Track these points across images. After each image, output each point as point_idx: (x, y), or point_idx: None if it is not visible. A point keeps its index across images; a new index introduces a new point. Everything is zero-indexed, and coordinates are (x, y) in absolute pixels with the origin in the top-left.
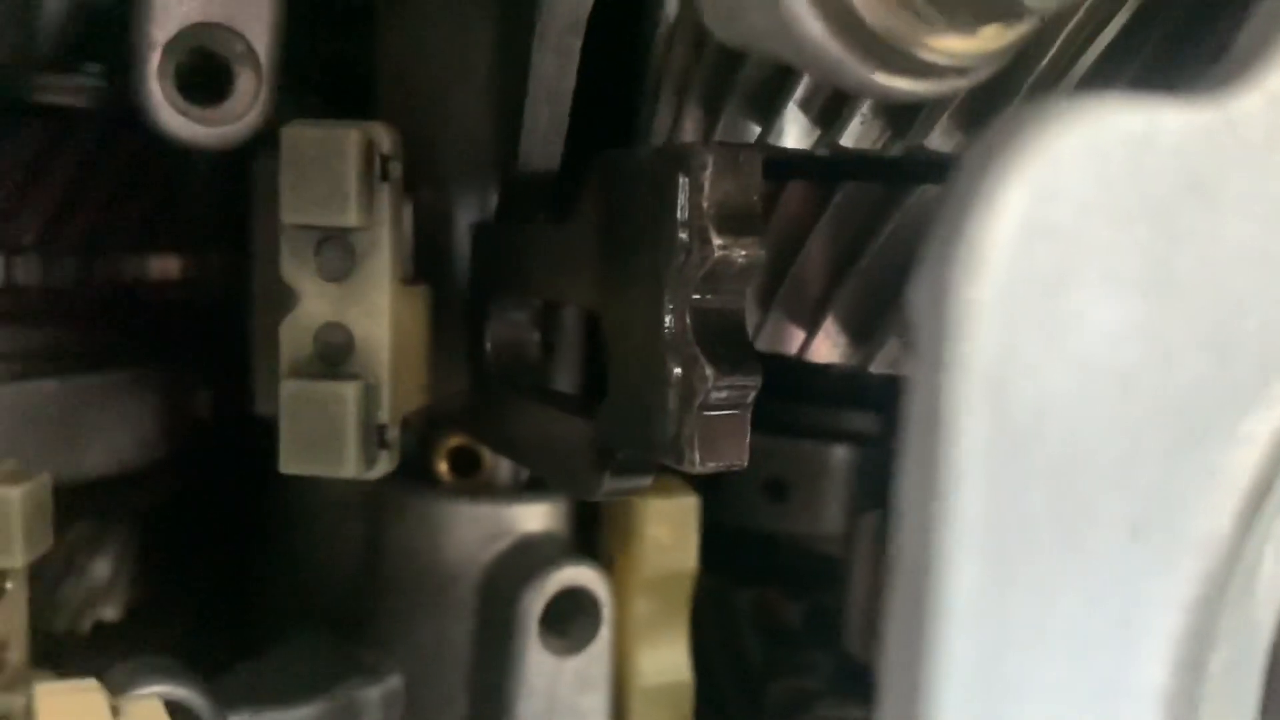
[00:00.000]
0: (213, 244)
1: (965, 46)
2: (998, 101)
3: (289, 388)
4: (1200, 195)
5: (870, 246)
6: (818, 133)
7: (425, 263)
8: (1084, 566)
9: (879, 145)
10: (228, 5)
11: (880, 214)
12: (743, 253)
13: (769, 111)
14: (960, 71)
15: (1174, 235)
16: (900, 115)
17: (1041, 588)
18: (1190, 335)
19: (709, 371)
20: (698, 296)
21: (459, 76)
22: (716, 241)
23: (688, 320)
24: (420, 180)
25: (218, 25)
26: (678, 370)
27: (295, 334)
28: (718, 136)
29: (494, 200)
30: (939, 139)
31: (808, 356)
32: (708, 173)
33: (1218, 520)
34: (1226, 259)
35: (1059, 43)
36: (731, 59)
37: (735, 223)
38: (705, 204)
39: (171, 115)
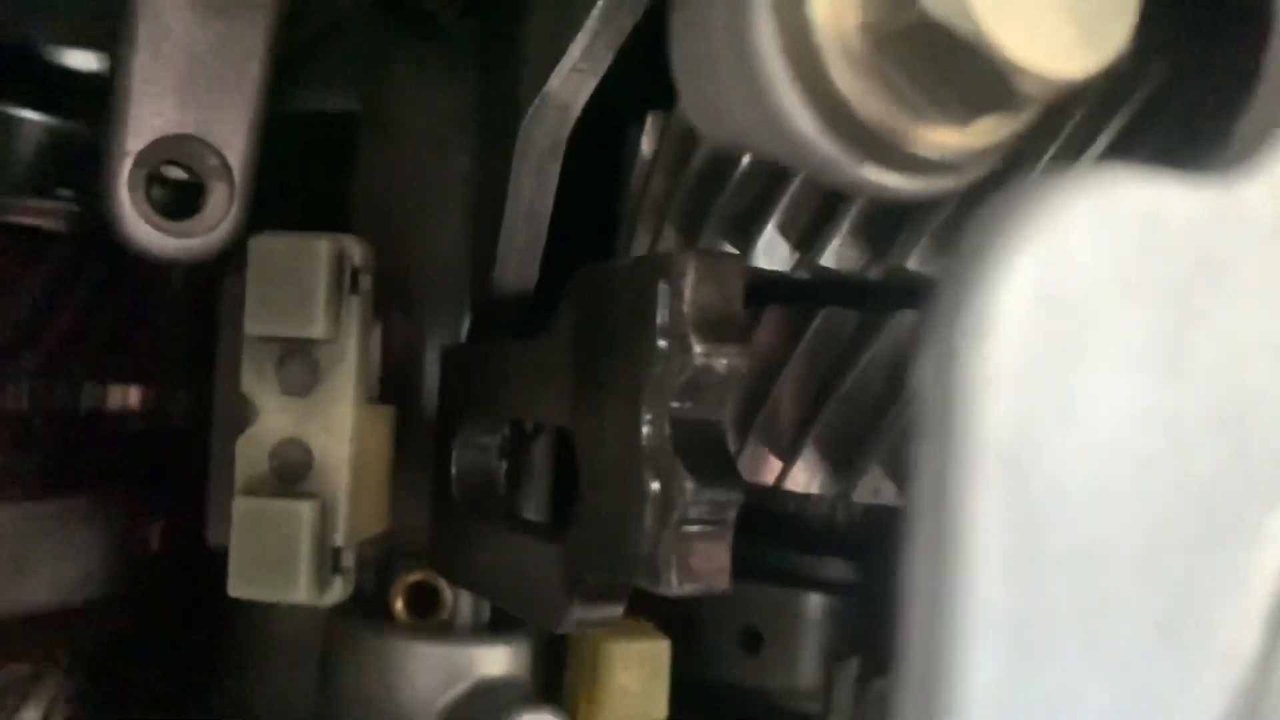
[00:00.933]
0: (174, 375)
1: (959, 141)
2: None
3: (242, 505)
4: (1211, 277)
5: (850, 373)
6: (796, 257)
7: (393, 387)
8: (1110, 667)
9: (859, 268)
10: (202, 117)
11: (859, 339)
12: (724, 361)
13: (747, 235)
14: (953, 168)
15: (1186, 316)
16: (880, 236)
17: (1064, 689)
18: (1207, 421)
19: (689, 484)
20: (677, 405)
21: (435, 200)
22: (697, 349)
23: (666, 430)
24: (392, 303)
25: (191, 137)
26: (655, 484)
27: (252, 450)
28: None
29: (465, 323)
30: (920, 261)
31: (786, 486)
32: (689, 279)
33: (1246, 627)
34: (1240, 344)
35: (1053, 148)
36: (710, 183)
37: (716, 330)
38: (686, 310)
39: (141, 227)
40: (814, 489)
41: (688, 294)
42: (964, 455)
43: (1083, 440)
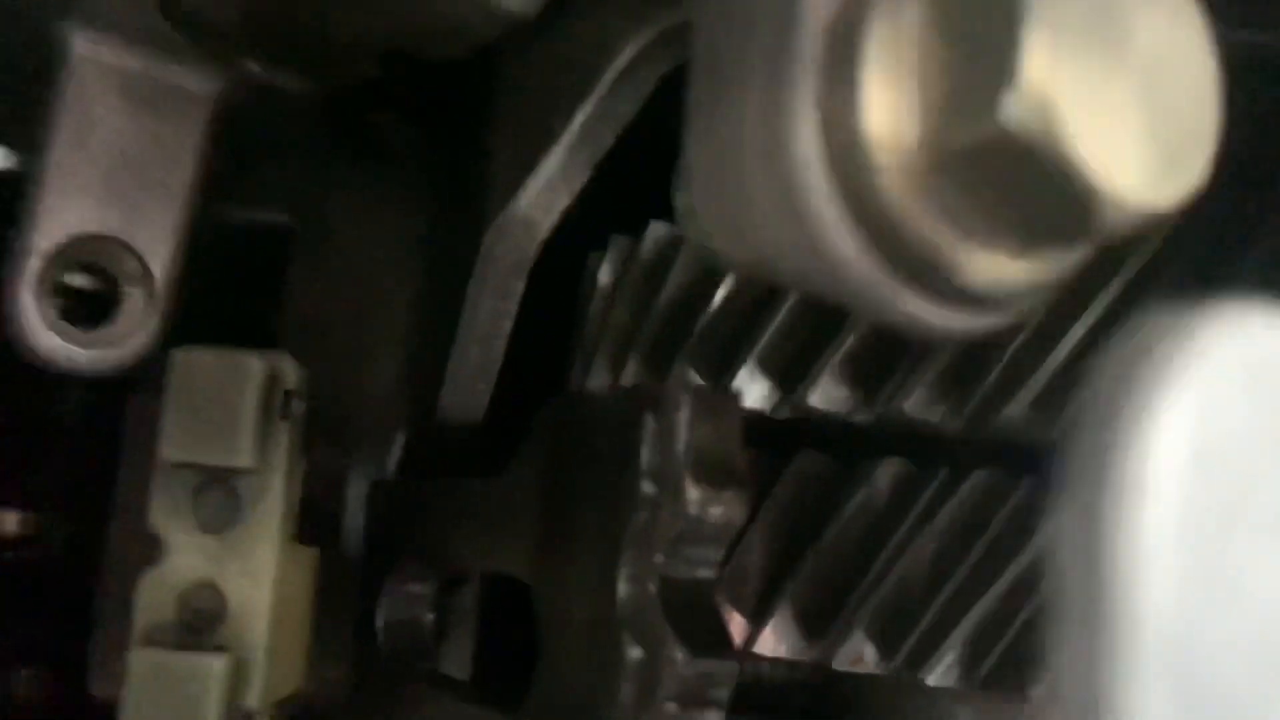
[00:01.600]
0: (59, 499)
1: (1013, 273)
2: (981, 371)
3: (141, 658)
4: None
5: (830, 524)
6: (777, 396)
7: (314, 524)
8: None
9: (847, 410)
10: (125, 217)
11: (843, 488)
12: (721, 510)
13: (723, 370)
14: (1000, 305)
15: None
16: (874, 378)
17: None
18: None
19: (679, 654)
20: (664, 560)
21: (369, 321)
22: (691, 495)
23: (651, 589)
24: (317, 432)
25: (110, 238)
26: (636, 652)
27: (157, 593)
28: None
29: (395, 456)
30: (917, 405)
31: (753, 650)
32: (683, 414)
33: None
34: None
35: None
36: (683, 313)
37: (713, 474)
38: (680, 450)
39: (46, 335)
40: (786, 653)
41: (682, 432)
42: (1123, 644)
43: (1249, 617)
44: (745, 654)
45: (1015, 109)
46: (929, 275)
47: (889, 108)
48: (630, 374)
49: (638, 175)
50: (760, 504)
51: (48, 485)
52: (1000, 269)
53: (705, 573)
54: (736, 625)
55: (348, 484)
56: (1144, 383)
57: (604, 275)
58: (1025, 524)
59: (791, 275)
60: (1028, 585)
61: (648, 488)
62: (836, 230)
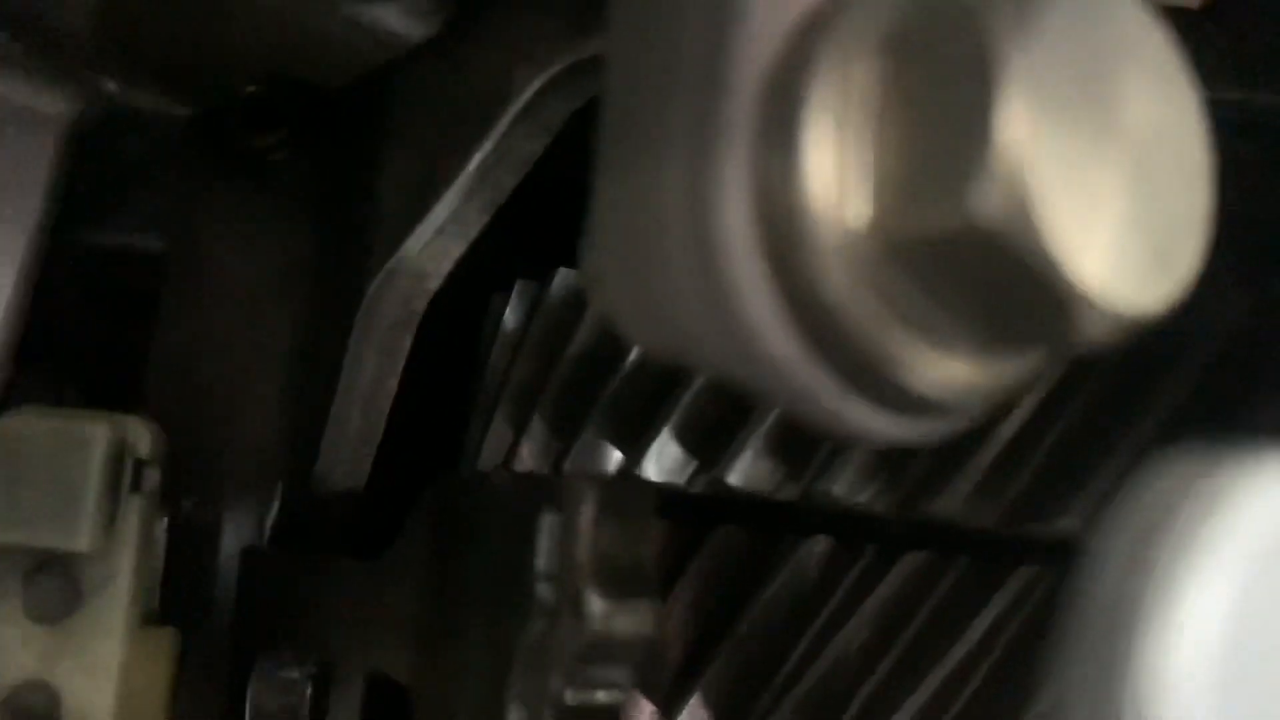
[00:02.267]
0: None
1: (969, 377)
2: (912, 455)
3: None
4: None
5: (750, 607)
6: (693, 467)
7: (177, 595)
8: None
9: (770, 488)
10: None
11: (765, 566)
12: (629, 622)
13: (637, 437)
14: (952, 411)
15: None
16: (800, 456)
17: None
18: None
19: None
20: (561, 684)
21: (245, 368)
22: (594, 607)
23: (546, 718)
24: (183, 489)
25: None
26: None
27: None
28: (569, 466)
29: (271, 520)
30: (846, 487)
31: None
32: (587, 512)
33: None
34: None
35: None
36: (594, 371)
37: (622, 582)
38: (582, 556)
39: None
40: None
41: (585, 533)
42: None
43: None
44: None
45: (986, 196)
46: (875, 380)
47: (834, 182)
48: (534, 434)
49: (542, 200)
50: (675, 582)
51: None
52: (956, 374)
53: (610, 696)
54: (647, 715)
55: (218, 549)
56: (1170, 551)
57: (507, 323)
58: (962, 608)
59: (713, 368)
60: (966, 675)
61: (545, 594)
62: (768, 324)
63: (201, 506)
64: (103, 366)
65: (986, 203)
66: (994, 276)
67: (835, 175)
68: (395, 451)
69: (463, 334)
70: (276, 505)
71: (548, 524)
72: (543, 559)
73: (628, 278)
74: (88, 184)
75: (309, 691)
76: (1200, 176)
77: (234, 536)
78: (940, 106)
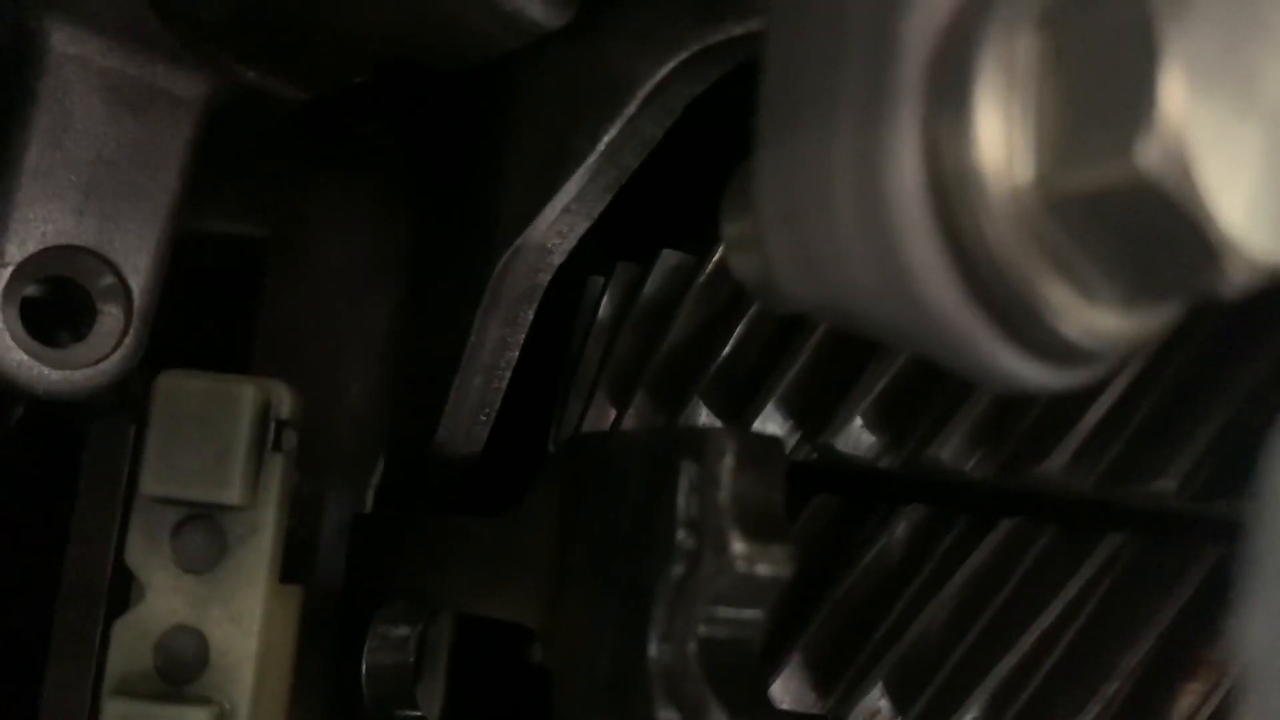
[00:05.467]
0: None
1: (1120, 327)
2: (1018, 420)
3: (116, 709)
4: None
5: (847, 572)
6: (797, 436)
7: (293, 559)
8: None
9: (873, 456)
10: (103, 228)
11: (861, 533)
12: (768, 565)
13: (740, 409)
14: (1095, 359)
15: None
16: (905, 423)
17: None
18: None
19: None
20: (705, 618)
21: (350, 339)
22: (738, 549)
23: (691, 649)
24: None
25: (86, 250)
26: (671, 715)
27: (133, 638)
28: None
29: (373, 488)
30: (950, 454)
31: None
32: (726, 462)
33: None
34: None
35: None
36: (697, 348)
37: (760, 527)
38: (723, 501)
39: (12, 351)
40: (796, 706)
41: (726, 481)
42: None
43: None
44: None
45: (1152, 152)
46: (1031, 329)
47: (1002, 141)
48: (636, 410)
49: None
50: None
51: None
52: (1104, 323)
53: (749, 633)
54: None
55: (327, 516)
56: None
57: (607, 304)
58: (1050, 576)
59: (871, 321)
60: (1052, 640)
61: (685, 539)
62: (934, 274)
63: (308, 477)
64: (207, 347)
65: (1151, 157)
66: (1150, 226)
67: (1003, 137)
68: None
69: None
70: (379, 473)
71: (688, 472)
72: (683, 505)
73: (793, 235)
74: (200, 168)
75: (416, 646)
76: None
77: (338, 504)
78: (1103, 73)
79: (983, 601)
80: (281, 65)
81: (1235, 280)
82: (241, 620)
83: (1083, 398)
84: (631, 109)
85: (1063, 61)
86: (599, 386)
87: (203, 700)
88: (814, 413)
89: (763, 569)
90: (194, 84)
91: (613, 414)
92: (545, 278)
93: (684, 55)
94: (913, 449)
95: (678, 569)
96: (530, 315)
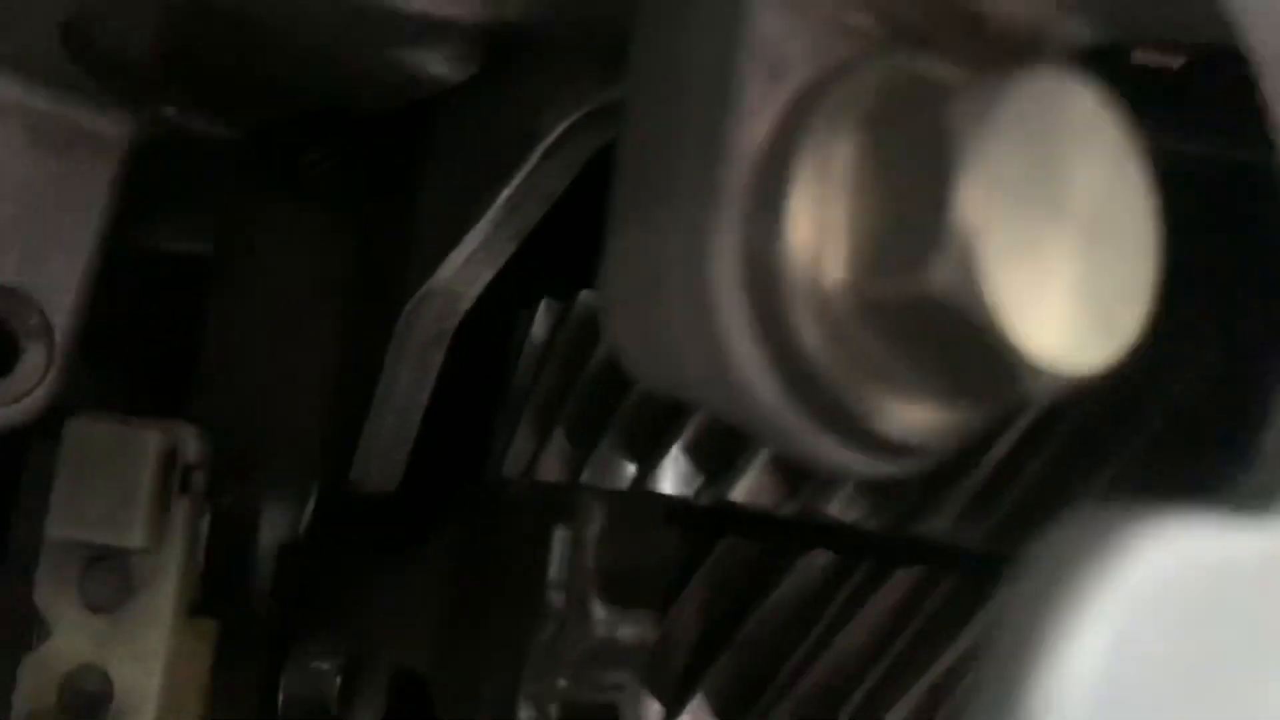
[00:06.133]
0: None
1: (932, 422)
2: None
3: None
4: (1266, 641)
5: (753, 614)
6: (701, 482)
7: (217, 584)
8: None
9: (771, 504)
10: (27, 267)
11: (767, 576)
12: (631, 630)
13: (649, 453)
14: (918, 451)
15: (1237, 694)
16: (799, 475)
17: None
18: None
19: None
20: (566, 684)
21: (287, 369)
22: (599, 615)
23: (553, 714)
24: (225, 486)
25: (10, 290)
26: None
27: (37, 677)
28: (586, 476)
29: (308, 516)
30: (840, 506)
31: None
32: (594, 527)
33: None
34: None
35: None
36: (612, 388)
37: (625, 592)
38: (589, 566)
39: None
40: None
41: (590, 546)
42: None
43: None
44: None
45: (940, 269)
46: (845, 423)
47: (812, 247)
48: (555, 445)
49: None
50: (683, 587)
51: None
52: (918, 419)
53: (612, 696)
54: (653, 713)
55: (257, 542)
56: (1059, 599)
57: (533, 339)
58: (950, 620)
59: (709, 407)
60: (948, 684)
61: (555, 600)
62: (753, 370)
63: (241, 501)
64: (149, 363)
65: (941, 275)
66: (949, 339)
67: (814, 241)
68: (424, 456)
69: (486, 348)
70: (313, 503)
71: (559, 536)
72: (554, 568)
73: (634, 320)
74: (139, 191)
75: (338, 682)
76: (1147, 248)
77: (271, 531)
78: (905, 184)
79: (886, 644)
80: (205, 106)
81: (1037, 393)
82: (145, 659)
83: (964, 462)
84: (532, 163)
85: (874, 171)
86: (522, 420)
87: None
88: (717, 459)
89: (625, 633)
90: (116, 124)
91: (533, 448)
92: (453, 323)
93: (579, 114)
94: (805, 499)
95: (548, 630)
96: (439, 359)
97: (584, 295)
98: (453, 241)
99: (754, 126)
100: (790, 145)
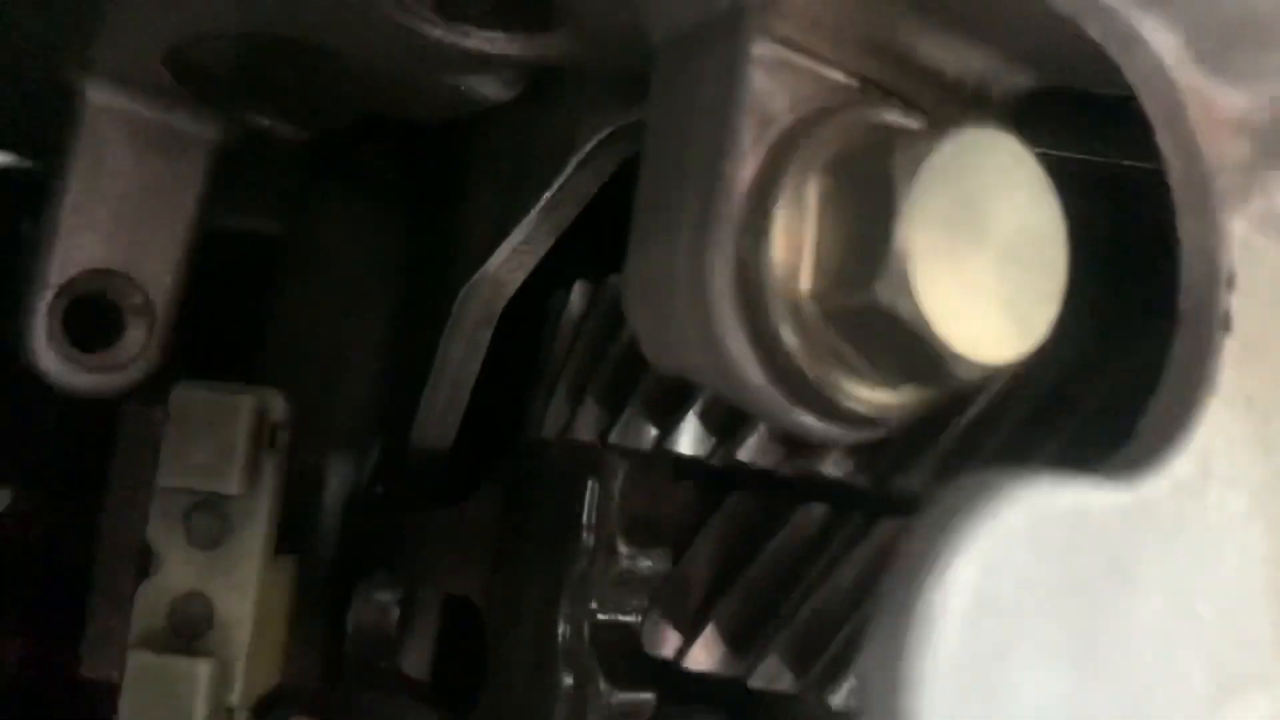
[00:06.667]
0: (47, 480)
1: (888, 400)
2: (892, 440)
3: (137, 660)
4: (1119, 574)
5: (757, 558)
6: (713, 443)
7: (294, 528)
8: None
9: (773, 464)
10: (131, 252)
11: (769, 526)
12: (648, 564)
13: (669, 418)
14: (878, 422)
15: (1097, 611)
16: (796, 439)
17: None
18: (1111, 711)
19: (604, 687)
20: (597, 606)
21: (353, 329)
22: (623, 550)
23: (586, 630)
24: (299, 443)
25: (117, 273)
26: (570, 681)
27: (151, 601)
28: (614, 437)
29: (370, 468)
30: (832, 465)
31: (685, 664)
32: (618, 481)
33: None
34: (1139, 634)
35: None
36: (637, 361)
37: (643, 533)
38: (614, 512)
39: (52, 359)
40: (711, 668)
41: (616, 495)
42: None
43: None
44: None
45: (883, 289)
46: (819, 402)
47: (789, 264)
48: (588, 412)
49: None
50: (696, 534)
51: (38, 465)
52: (878, 398)
53: (632, 617)
54: (671, 638)
55: (327, 492)
56: (943, 538)
57: (567, 317)
58: None
59: (709, 386)
60: None
61: (587, 539)
62: (744, 361)
63: (311, 456)
64: (222, 333)
65: (884, 292)
66: (893, 338)
67: (790, 259)
68: (474, 418)
69: (524, 324)
70: (375, 456)
71: (590, 488)
72: (586, 514)
73: (650, 318)
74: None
75: (397, 611)
76: (1056, 263)
77: (338, 479)
78: (859, 218)
79: (869, 585)
80: (280, 112)
81: (965, 378)
82: (241, 588)
83: (937, 427)
84: (568, 172)
85: (836, 205)
86: (558, 388)
87: (208, 654)
88: (727, 424)
89: (643, 566)
90: (206, 128)
91: (568, 413)
92: (499, 306)
93: (610, 129)
94: (802, 460)
95: (581, 564)
96: (487, 337)
97: (613, 279)
98: (499, 237)
99: (745, 166)
100: (773, 182)
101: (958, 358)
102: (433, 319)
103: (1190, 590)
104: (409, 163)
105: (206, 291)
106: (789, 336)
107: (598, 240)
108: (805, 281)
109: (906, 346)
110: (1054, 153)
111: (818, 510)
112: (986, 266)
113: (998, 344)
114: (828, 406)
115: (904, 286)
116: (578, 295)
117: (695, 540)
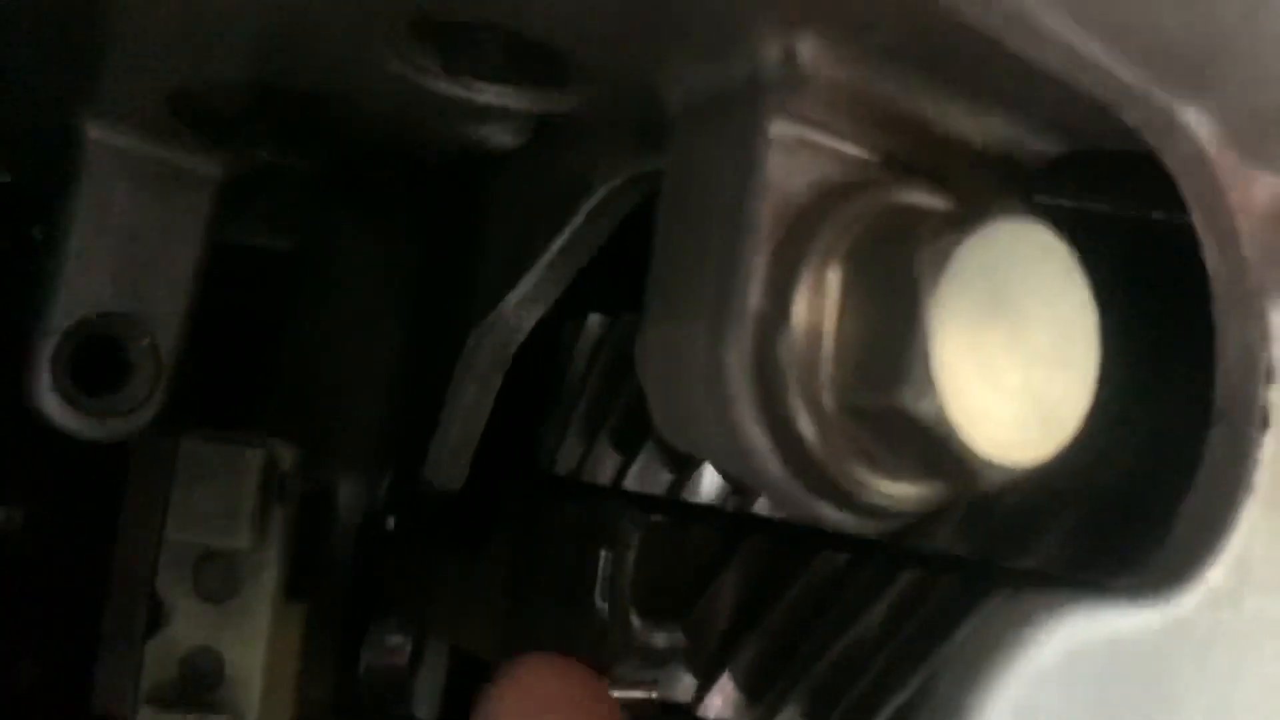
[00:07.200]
0: (59, 500)
1: (909, 494)
2: None
3: (147, 716)
4: (1155, 697)
5: (774, 605)
6: (728, 492)
7: (304, 565)
8: None
9: (787, 514)
10: (136, 295)
11: (785, 574)
12: (663, 637)
13: (684, 463)
14: (898, 515)
15: None
16: None
17: None
18: None
19: None
20: (611, 682)
21: (364, 353)
22: (636, 624)
23: None
24: (308, 476)
25: (122, 316)
26: None
27: (161, 656)
28: (629, 482)
29: (379, 501)
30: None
31: (699, 713)
32: (632, 554)
33: None
34: None
35: None
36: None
37: (657, 607)
38: (626, 585)
39: (57, 405)
40: (729, 717)
41: (630, 569)
42: None
43: None
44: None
45: (907, 394)
46: (836, 494)
47: (808, 353)
48: (601, 450)
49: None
50: (713, 581)
51: (43, 485)
52: (898, 493)
53: (645, 692)
54: (686, 685)
55: (336, 518)
56: (973, 683)
57: (580, 352)
58: (947, 617)
59: (722, 470)
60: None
61: (600, 607)
62: (760, 450)
63: (320, 486)
64: (234, 357)
65: (908, 397)
66: (916, 439)
67: (809, 348)
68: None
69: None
70: (385, 488)
71: (604, 558)
72: (600, 584)
73: (666, 397)
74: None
75: (409, 653)
76: (1086, 358)
77: (349, 505)
78: (881, 315)
79: (888, 636)
80: (286, 149)
81: (990, 483)
82: (251, 641)
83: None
84: (578, 220)
85: (857, 297)
86: (571, 425)
87: (219, 709)
88: None
89: (658, 640)
90: (209, 165)
91: (581, 453)
92: (513, 348)
93: (622, 179)
94: None
95: (593, 630)
96: (499, 379)
97: (627, 316)
98: (512, 281)
99: (763, 251)
100: (793, 268)
101: (984, 463)
102: (442, 350)
103: (1229, 704)
104: (418, 195)
105: (215, 308)
106: (807, 428)
107: (612, 271)
108: (825, 373)
109: (930, 449)
110: (1080, 205)
111: (836, 559)
112: (1015, 365)
113: (1025, 446)
114: (849, 500)
115: (928, 392)
116: (592, 329)
117: (711, 586)
